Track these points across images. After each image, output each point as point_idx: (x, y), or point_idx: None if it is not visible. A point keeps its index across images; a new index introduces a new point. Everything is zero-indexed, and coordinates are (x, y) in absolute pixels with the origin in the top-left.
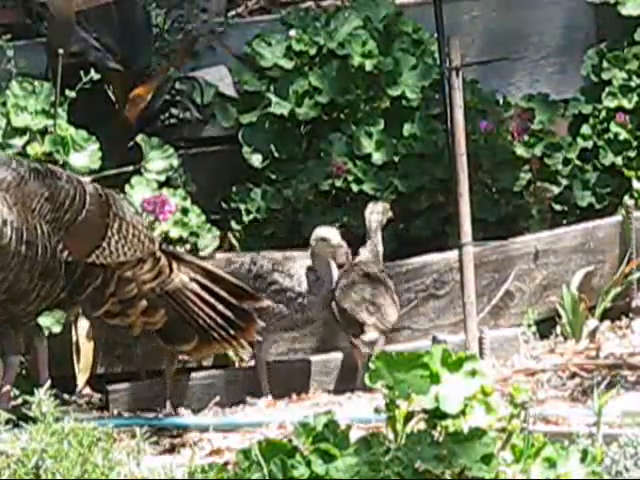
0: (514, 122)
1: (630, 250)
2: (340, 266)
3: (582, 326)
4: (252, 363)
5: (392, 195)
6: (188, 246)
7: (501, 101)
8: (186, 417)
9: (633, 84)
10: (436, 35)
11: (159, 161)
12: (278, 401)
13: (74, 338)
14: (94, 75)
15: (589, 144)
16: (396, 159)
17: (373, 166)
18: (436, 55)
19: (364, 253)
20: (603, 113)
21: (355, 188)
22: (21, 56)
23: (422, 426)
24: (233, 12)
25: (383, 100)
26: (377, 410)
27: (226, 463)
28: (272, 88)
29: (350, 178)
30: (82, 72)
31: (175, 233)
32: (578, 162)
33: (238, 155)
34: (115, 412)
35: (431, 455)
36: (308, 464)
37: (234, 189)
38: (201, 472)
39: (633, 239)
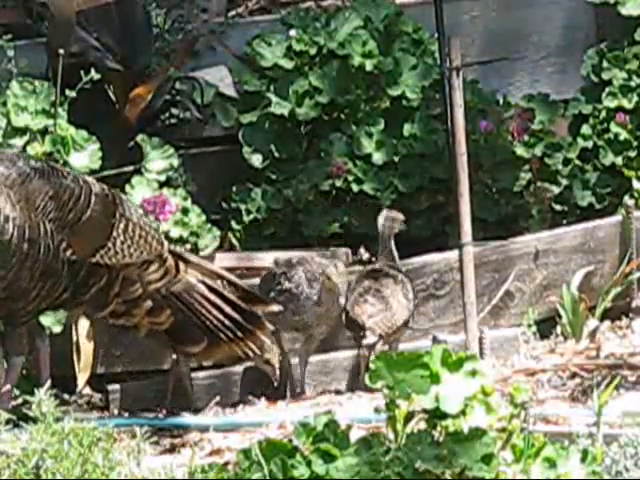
0: (514, 122)
1: (630, 250)
2: None
3: (582, 326)
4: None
5: (392, 195)
6: (188, 246)
7: (501, 101)
8: (186, 417)
9: (633, 84)
10: (436, 35)
11: (159, 161)
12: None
13: (74, 338)
14: (94, 75)
15: (589, 144)
16: (396, 159)
17: (373, 166)
18: (436, 55)
19: (381, 259)
20: (603, 113)
21: (355, 188)
22: (21, 56)
23: (422, 426)
24: (233, 12)
25: (383, 100)
26: (377, 410)
27: (226, 463)
28: (272, 88)
29: (350, 178)
30: (82, 72)
31: (175, 233)
32: (578, 162)
33: (238, 155)
34: (115, 412)
35: (431, 455)
36: (308, 464)
37: (234, 189)
38: (201, 472)
39: (633, 239)
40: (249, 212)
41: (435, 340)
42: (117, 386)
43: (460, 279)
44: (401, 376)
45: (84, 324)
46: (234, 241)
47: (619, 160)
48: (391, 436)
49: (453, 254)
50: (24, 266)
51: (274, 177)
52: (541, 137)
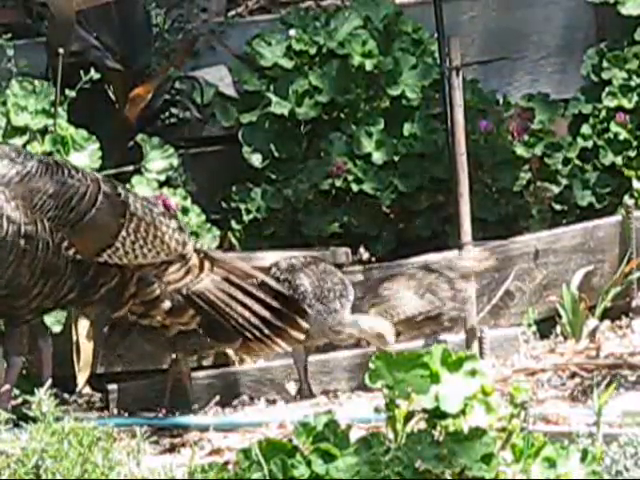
0: (514, 122)
1: (630, 250)
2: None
3: (582, 326)
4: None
5: (392, 195)
6: None
7: (501, 101)
8: (186, 417)
9: (633, 84)
10: (436, 35)
11: (159, 161)
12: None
13: (74, 338)
14: (94, 75)
15: (589, 144)
16: (396, 159)
17: (373, 166)
18: (436, 55)
19: None
20: (603, 113)
21: (355, 188)
22: (21, 55)
23: (422, 426)
24: (233, 12)
25: (383, 100)
26: (377, 410)
27: (226, 463)
28: (272, 88)
29: (350, 178)
30: (82, 72)
31: None
32: (578, 162)
33: (238, 155)
34: (115, 412)
35: (431, 455)
36: (308, 464)
37: (234, 189)
38: (201, 472)
39: (633, 239)
40: (249, 212)
41: (435, 340)
42: (117, 386)
43: None
44: (401, 376)
45: (84, 324)
46: (234, 241)
47: (619, 160)
48: (391, 436)
49: (453, 254)
50: (22, 263)
51: (274, 177)
52: (541, 137)
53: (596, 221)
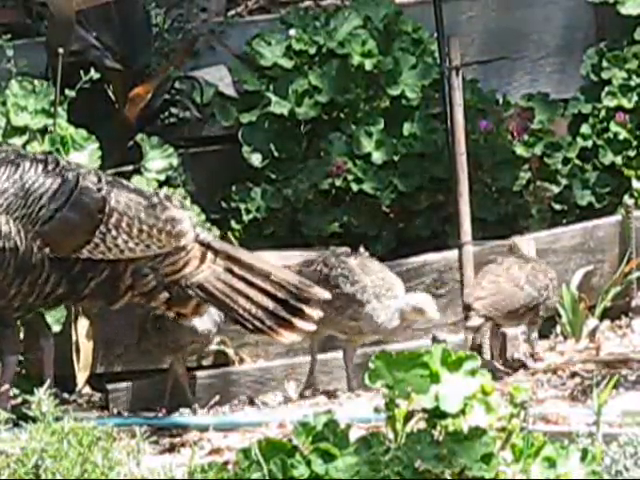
0: (514, 121)
1: (630, 249)
2: None
3: (582, 325)
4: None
5: (392, 194)
6: None
7: (501, 100)
8: (185, 417)
9: (633, 83)
10: (436, 35)
11: (159, 160)
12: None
13: (74, 337)
14: (94, 74)
15: (589, 143)
16: (396, 158)
17: (373, 165)
18: (436, 54)
19: None
20: (603, 112)
21: (355, 187)
22: (21, 55)
23: (422, 425)
24: (233, 12)
25: (383, 99)
26: (377, 410)
27: (226, 462)
28: (272, 87)
29: (350, 177)
30: (82, 71)
31: None
32: (578, 161)
33: (238, 154)
34: (115, 411)
35: (431, 454)
36: (308, 464)
37: (234, 188)
38: (201, 472)
39: (633, 238)
40: (249, 211)
41: (435, 339)
42: (117, 385)
43: (460, 278)
44: (401, 375)
45: (84, 323)
46: (234, 240)
47: (619, 159)
48: (391, 436)
49: (453, 254)
50: None
51: (274, 176)
52: (541, 136)
53: (596, 221)
